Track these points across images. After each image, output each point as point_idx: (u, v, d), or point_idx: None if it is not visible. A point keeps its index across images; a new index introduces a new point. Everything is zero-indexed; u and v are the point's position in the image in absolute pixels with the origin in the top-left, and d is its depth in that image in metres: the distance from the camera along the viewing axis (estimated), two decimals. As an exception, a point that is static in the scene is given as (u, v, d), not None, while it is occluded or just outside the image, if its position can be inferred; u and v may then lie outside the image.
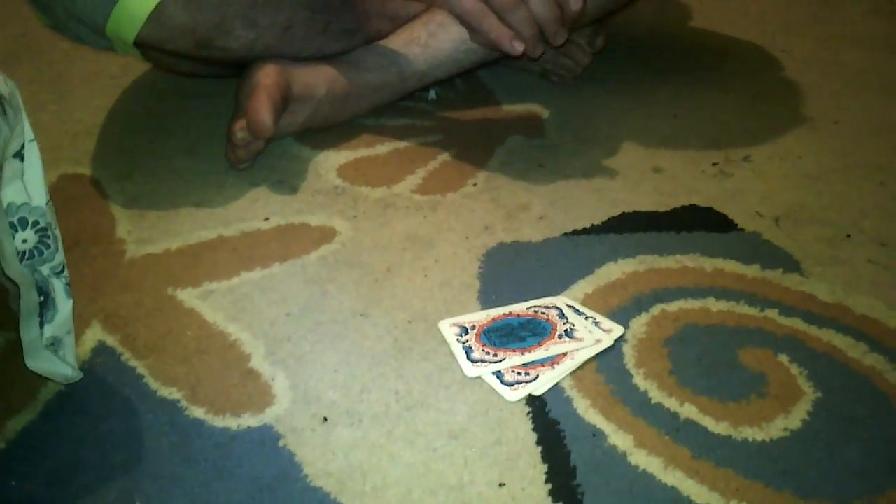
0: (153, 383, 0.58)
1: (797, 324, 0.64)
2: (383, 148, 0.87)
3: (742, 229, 0.75)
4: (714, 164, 0.86)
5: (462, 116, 0.94)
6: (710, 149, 0.88)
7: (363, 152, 0.87)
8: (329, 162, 0.85)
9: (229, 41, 0.77)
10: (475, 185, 0.81)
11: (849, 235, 0.75)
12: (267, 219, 0.75)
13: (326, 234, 0.73)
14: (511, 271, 0.69)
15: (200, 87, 0.97)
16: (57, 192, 0.78)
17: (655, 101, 0.98)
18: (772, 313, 0.65)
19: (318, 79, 0.85)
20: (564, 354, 0.60)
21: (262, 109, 0.77)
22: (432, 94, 0.98)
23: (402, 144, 0.88)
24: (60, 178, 0.81)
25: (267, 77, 0.80)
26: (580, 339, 0.61)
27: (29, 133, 0.46)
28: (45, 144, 0.85)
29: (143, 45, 0.75)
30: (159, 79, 0.99)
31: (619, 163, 0.86)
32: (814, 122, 0.94)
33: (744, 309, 0.65)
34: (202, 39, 0.75)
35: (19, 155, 0.45)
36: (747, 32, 1.20)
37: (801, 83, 1.04)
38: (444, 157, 0.86)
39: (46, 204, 0.49)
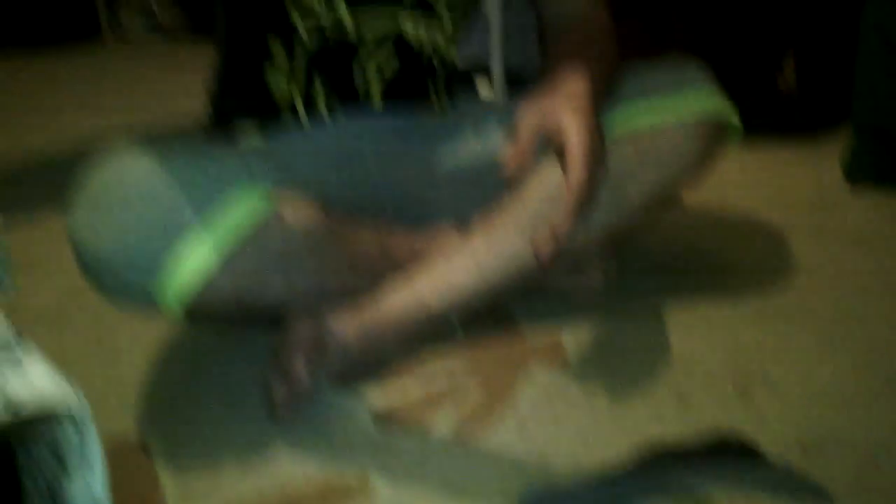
0: None
1: (836, 565, 0.64)
2: (414, 390, 0.91)
3: (769, 459, 0.77)
4: (735, 387, 0.88)
5: (487, 348, 0.98)
6: (730, 370, 0.91)
7: (395, 397, 0.90)
8: (364, 408, 0.88)
9: (267, 301, 0.83)
10: (505, 425, 0.84)
11: (876, 458, 0.76)
12: (305, 475, 0.78)
13: (364, 490, 0.75)
14: (547, 521, 0.71)
15: (241, 331, 1.02)
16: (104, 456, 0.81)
17: (673, 321, 1.02)
18: (809, 554, 0.65)
19: (349, 328, 0.90)
20: None
21: (300, 369, 0.81)
22: (456, 323, 1.02)
23: (431, 384, 0.92)
24: (107, 440, 0.84)
25: (303, 333, 0.85)
26: None
27: (95, 438, 0.49)
28: (91, 402, 0.89)
29: (186, 312, 0.81)
30: (202, 328, 1.05)
31: (643, 391, 0.89)
32: (827, 334, 0.98)
33: (781, 550, 0.66)
34: (243, 302, 0.81)
35: (86, 460, 0.49)
36: (752, 240, 1.26)
37: (811, 293, 1.08)
38: (474, 396, 0.89)
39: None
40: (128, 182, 0.75)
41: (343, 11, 0.93)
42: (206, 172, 0.78)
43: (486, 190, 1.02)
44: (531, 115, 0.83)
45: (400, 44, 0.98)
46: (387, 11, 0.95)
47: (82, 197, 0.77)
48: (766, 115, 1.67)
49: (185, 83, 2.64)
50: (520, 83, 2.18)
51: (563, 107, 0.82)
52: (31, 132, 2.17)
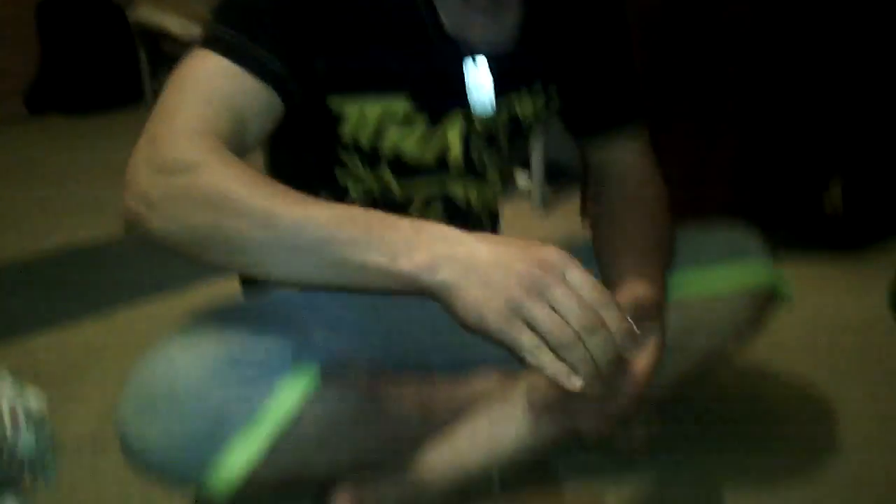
0: None
1: None
2: (453, 554, 0.90)
3: None
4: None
5: (528, 506, 0.97)
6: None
7: (433, 561, 0.89)
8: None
9: (309, 476, 0.82)
10: None
11: None
12: None
13: None
14: None
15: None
16: None
17: (715, 477, 1.00)
18: None
19: (390, 493, 0.89)
20: None
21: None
22: (497, 481, 1.01)
23: (470, 547, 0.90)
24: None
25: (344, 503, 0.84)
26: None
27: None
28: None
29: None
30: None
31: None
32: (877, 498, 0.95)
33: None
34: (284, 482, 0.81)
35: None
36: (796, 377, 1.23)
37: (859, 447, 1.05)
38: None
39: None
40: (176, 383, 0.75)
41: (389, 178, 0.94)
42: (251, 354, 0.78)
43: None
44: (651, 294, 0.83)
45: (447, 201, 0.98)
46: (434, 180, 0.96)
47: (131, 393, 0.77)
48: (812, 236, 1.66)
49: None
50: (555, 171, 2.19)
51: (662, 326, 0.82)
52: (65, 201, 2.19)
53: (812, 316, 1.45)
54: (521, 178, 2.23)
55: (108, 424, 1.13)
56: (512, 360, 0.99)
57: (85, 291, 1.62)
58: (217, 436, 0.75)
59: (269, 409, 0.76)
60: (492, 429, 0.94)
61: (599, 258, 0.99)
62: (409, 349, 1.03)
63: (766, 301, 0.96)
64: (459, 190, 0.99)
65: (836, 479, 0.99)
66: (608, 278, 0.94)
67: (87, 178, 2.44)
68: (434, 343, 1.04)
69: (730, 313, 0.94)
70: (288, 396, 0.78)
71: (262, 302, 0.95)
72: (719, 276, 0.96)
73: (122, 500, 0.99)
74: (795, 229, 1.64)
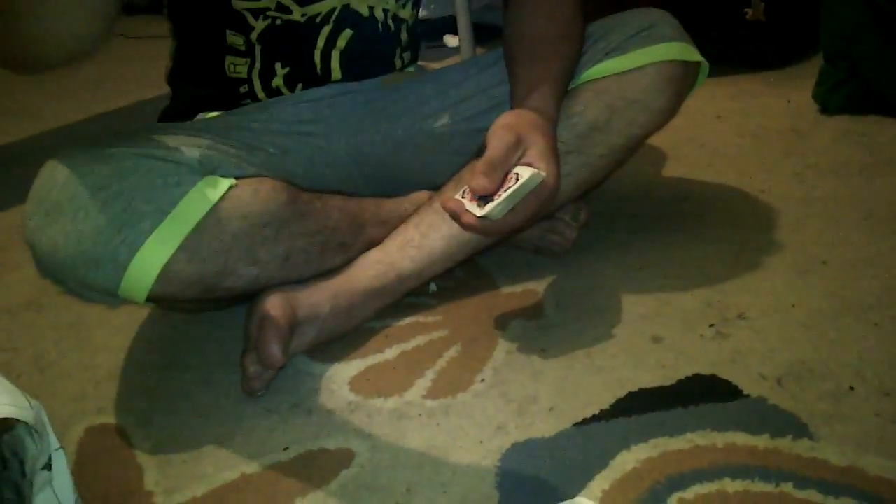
0: None
1: (813, 496, 0.65)
2: (391, 352, 0.91)
3: (747, 395, 0.77)
4: (711, 326, 0.88)
5: (463, 306, 0.98)
6: (705, 309, 0.91)
7: (372, 359, 0.90)
8: (340, 375, 0.88)
9: (234, 281, 0.82)
10: (483, 381, 0.84)
11: (852, 388, 0.76)
12: (286, 449, 0.78)
13: (345, 459, 0.75)
14: (528, 476, 0.71)
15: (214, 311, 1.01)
16: (85, 446, 0.81)
17: (646, 264, 1.02)
18: (787, 487, 0.66)
19: (322, 297, 0.89)
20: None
21: (271, 343, 0.81)
22: (432, 287, 1.02)
23: (408, 345, 0.92)
24: (87, 431, 0.84)
25: (272, 308, 0.84)
26: (603, 545, 0.62)
27: (55, 443, 0.49)
28: (71, 394, 0.89)
29: (154, 300, 0.80)
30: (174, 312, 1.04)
31: (618, 336, 0.88)
32: (801, 265, 0.98)
33: (759, 486, 0.66)
34: (209, 286, 0.80)
35: (47, 466, 0.49)
36: (725, 174, 1.25)
37: (784, 224, 1.07)
38: (451, 353, 0.89)
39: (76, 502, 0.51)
40: (79, 183, 0.73)
41: (288, 2, 0.91)
42: (158, 152, 0.76)
43: (455, 151, 1.01)
44: (505, 133, 0.81)
45: (349, 13, 0.96)
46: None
47: (34, 203, 0.75)
48: (736, 47, 1.65)
49: (150, 54, 2.60)
50: (485, 32, 2.15)
51: (536, 138, 0.82)
52: None
53: (740, 124, 1.46)
54: (452, 40, 2.21)
55: (41, 292, 1.14)
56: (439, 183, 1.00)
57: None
58: (126, 237, 0.73)
59: (178, 204, 0.75)
60: (421, 233, 0.94)
61: (507, 70, 0.98)
62: (333, 171, 1.02)
63: (681, 73, 0.95)
64: (362, 5, 0.97)
65: (763, 259, 1.01)
66: (511, 93, 0.93)
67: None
68: (360, 167, 1.04)
69: (644, 89, 0.93)
70: (198, 192, 0.76)
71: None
72: (632, 59, 0.95)
73: (60, 355, 0.99)
74: (718, 42, 1.64)
